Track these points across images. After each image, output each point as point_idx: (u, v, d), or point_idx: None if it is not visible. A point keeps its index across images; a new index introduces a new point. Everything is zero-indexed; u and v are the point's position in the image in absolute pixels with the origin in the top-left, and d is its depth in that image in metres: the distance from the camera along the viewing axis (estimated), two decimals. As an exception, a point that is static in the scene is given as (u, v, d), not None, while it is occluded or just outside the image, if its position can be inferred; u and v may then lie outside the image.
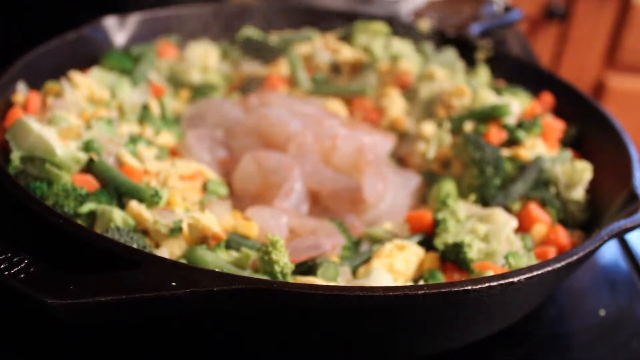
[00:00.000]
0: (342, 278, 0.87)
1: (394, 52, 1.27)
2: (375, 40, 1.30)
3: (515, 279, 0.75)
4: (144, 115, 1.11)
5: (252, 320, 0.78)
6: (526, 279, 0.75)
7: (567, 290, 1.03)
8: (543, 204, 1.01)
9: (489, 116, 1.09)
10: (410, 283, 0.88)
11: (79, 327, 0.86)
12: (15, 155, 0.90)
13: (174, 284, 0.70)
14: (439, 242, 0.90)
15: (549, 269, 0.77)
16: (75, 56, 1.19)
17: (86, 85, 1.10)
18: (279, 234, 0.88)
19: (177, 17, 1.35)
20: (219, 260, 0.84)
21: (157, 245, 0.87)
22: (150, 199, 0.90)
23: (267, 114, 1.07)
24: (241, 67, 1.28)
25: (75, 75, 1.12)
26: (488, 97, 1.13)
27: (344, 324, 0.78)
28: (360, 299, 0.71)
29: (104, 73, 1.17)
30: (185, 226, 0.86)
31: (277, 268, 0.82)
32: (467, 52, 1.31)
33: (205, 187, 0.99)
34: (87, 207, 0.87)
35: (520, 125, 1.09)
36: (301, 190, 0.99)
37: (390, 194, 1.01)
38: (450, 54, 1.30)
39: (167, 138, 1.09)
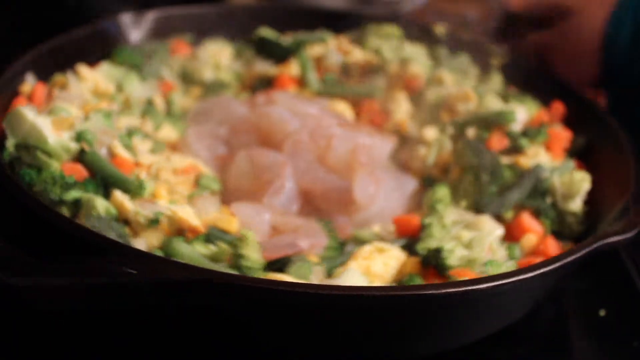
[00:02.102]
0: (315, 277, 0.86)
1: (404, 55, 1.25)
2: (386, 42, 1.29)
3: (452, 290, 0.74)
4: (147, 109, 1.13)
5: (213, 313, 0.79)
6: (470, 290, 0.74)
7: (567, 290, 1.02)
8: (537, 213, 0.99)
9: (492, 122, 1.07)
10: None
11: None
12: (10, 143, 0.92)
13: (134, 271, 0.71)
14: (421, 247, 0.89)
15: (496, 283, 0.76)
16: (89, 50, 1.20)
17: (92, 78, 1.12)
18: (260, 230, 0.89)
19: (193, 15, 1.35)
20: (194, 252, 0.85)
21: (136, 236, 0.88)
22: (135, 190, 0.91)
23: (268, 112, 1.07)
24: (253, 66, 1.29)
25: (82, 68, 1.14)
26: (494, 103, 1.11)
27: (289, 321, 0.79)
28: (285, 294, 0.73)
29: (113, 68, 1.19)
30: (163, 218, 0.88)
31: (244, 262, 0.83)
32: (481, 58, 1.29)
33: (197, 182, 1.00)
34: (72, 194, 0.88)
35: (524, 133, 1.08)
36: (292, 189, 0.99)
37: (382, 197, 1.00)
38: (464, 60, 1.28)
39: (168, 133, 1.10)
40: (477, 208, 1.00)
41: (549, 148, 1.08)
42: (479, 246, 0.89)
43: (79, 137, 0.94)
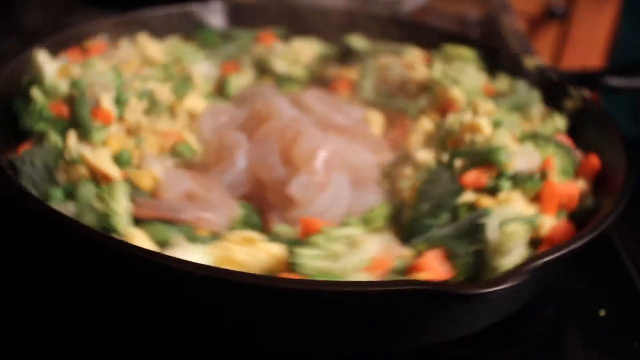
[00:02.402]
0: (174, 244, 0.88)
1: (455, 78, 1.20)
2: (444, 63, 1.25)
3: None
4: (183, 81, 1.18)
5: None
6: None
7: (567, 290, 1.03)
8: (451, 256, 0.90)
9: (482, 158, 1.00)
10: None
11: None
12: (25, 79, 1.09)
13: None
14: (295, 250, 0.87)
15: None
16: (174, 28, 1.32)
17: (145, 46, 1.24)
18: (171, 192, 0.94)
19: (290, 9, 1.39)
20: (87, 195, 0.91)
21: (62, 174, 0.97)
22: (85, 134, 1.01)
23: (271, 102, 1.08)
24: (327, 68, 1.30)
25: (141, 36, 1.26)
26: (500, 141, 1.03)
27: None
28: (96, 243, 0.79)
29: (180, 44, 1.28)
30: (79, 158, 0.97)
31: (105, 210, 0.88)
32: (555, 95, 1.20)
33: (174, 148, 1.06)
34: (41, 126, 1.02)
35: (513, 176, 0.99)
36: (241, 171, 1.00)
37: (327, 202, 0.97)
38: (532, 96, 1.19)
39: (194, 104, 1.16)
40: (404, 236, 0.95)
41: (540, 200, 0.98)
42: (344, 262, 0.85)
43: (73, 84, 1.06)
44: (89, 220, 0.87)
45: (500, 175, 0.98)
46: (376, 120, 1.17)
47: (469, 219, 0.91)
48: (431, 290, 0.74)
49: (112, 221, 0.86)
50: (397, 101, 1.20)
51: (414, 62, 1.27)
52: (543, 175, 0.99)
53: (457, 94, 1.15)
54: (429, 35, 1.35)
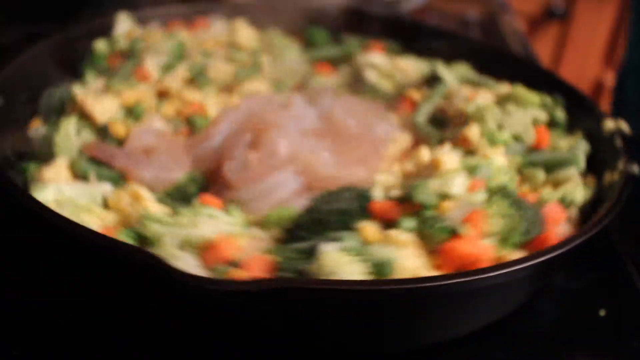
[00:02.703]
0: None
1: (496, 118, 1.13)
2: (500, 103, 1.17)
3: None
4: (250, 68, 1.26)
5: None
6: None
7: (567, 290, 1.03)
8: (278, 268, 0.87)
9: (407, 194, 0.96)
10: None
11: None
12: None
13: None
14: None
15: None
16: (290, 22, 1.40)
17: (237, 30, 1.34)
18: (135, 142, 1.05)
19: (416, 28, 1.40)
20: (67, 138, 1.03)
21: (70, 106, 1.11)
22: (110, 83, 1.16)
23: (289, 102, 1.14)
24: (416, 88, 1.28)
25: (239, 23, 1.36)
26: (450, 184, 0.95)
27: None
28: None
29: (279, 35, 1.36)
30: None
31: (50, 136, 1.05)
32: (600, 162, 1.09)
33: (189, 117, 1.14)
34: (87, 70, 1.21)
35: (426, 219, 0.91)
36: (212, 148, 1.06)
37: (258, 193, 0.99)
38: (576, 161, 1.08)
39: (253, 88, 1.22)
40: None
41: (439, 253, 0.90)
42: (180, 231, 0.88)
43: (132, 42, 1.25)
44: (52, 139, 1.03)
45: (418, 214, 0.92)
46: (401, 141, 1.13)
47: (311, 243, 0.87)
48: (152, 263, 0.74)
49: (53, 147, 1.02)
50: (428, 128, 1.15)
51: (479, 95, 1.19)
52: (454, 230, 0.89)
53: (471, 133, 1.08)
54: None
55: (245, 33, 1.34)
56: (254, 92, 1.20)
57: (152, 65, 1.20)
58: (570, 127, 1.16)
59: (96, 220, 0.90)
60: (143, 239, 0.87)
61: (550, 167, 1.05)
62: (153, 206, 0.93)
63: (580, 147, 1.08)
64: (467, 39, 1.42)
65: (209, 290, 0.73)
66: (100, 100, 1.10)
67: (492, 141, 1.07)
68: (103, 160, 1.01)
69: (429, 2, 1.90)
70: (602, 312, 0.99)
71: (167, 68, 1.22)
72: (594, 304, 1.00)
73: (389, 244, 0.87)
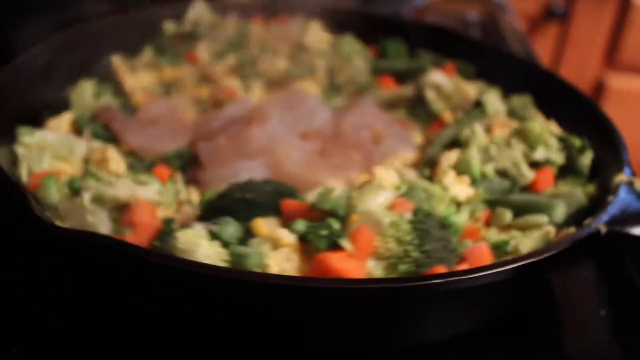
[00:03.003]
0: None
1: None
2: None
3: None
4: (306, 68, 1.31)
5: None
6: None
7: (567, 290, 1.03)
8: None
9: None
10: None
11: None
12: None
13: None
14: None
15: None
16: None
17: (310, 31, 1.39)
18: (144, 113, 1.14)
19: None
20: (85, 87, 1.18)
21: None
22: (155, 60, 1.30)
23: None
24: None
25: (313, 26, 1.40)
26: (364, 201, 0.92)
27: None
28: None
29: (351, 43, 1.38)
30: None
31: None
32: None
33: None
34: (147, 47, 1.31)
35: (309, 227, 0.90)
36: (213, 129, 1.13)
37: (222, 176, 1.02)
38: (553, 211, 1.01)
39: (306, 87, 1.27)
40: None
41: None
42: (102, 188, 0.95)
43: (194, 25, 1.34)
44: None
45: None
46: (404, 157, 1.13)
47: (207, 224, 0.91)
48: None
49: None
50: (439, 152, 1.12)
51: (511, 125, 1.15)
52: (336, 242, 0.87)
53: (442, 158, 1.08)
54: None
55: (316, 35, 1.37)
56: (302, 91, 1.22)
57: (203, 50, 1.29)
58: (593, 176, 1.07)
59: (64, 167, 1.02)
60: (73, 189, 0.95)
61: (523, 210, 1.00)
62: (118, 167, 1.01)
63: (568, 197, 1.01)
64: (539, 72, 1.30)
65: (39, 231, 0.80)
66: (137, 72, 1.23)
67: (465, 170, 1.04)
68: (103, 120, 1.12)
69: (429, 2, 1.90)
70: (602, 312, 0.99)
71: (219, 55, 1.30)
72: (594, 304, 1.00)
73: (269, 242, 0.88)
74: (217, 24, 1.37)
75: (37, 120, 1.09)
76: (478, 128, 1.10)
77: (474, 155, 1.05)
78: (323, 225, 0.88)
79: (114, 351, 0.87)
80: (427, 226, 0.88)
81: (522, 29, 1.99)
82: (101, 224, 0.92)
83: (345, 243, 0.86)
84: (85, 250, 0.78)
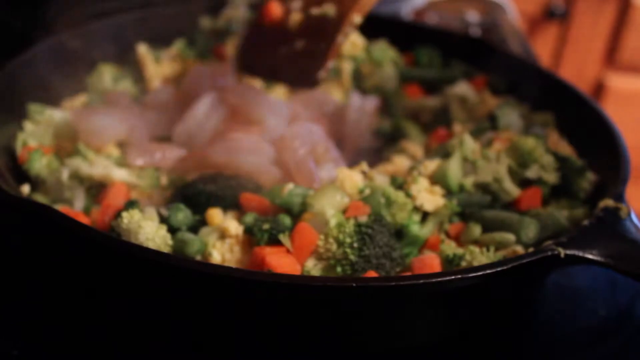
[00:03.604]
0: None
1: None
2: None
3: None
4: (332, 71, 1.29)
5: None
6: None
7: (567, 290, 1.03)
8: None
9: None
10: None
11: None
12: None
13: None
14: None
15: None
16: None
17: (353, 40, 1.36)
18: (154, 98, 1.16)
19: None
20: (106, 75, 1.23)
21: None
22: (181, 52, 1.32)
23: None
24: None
25: (355, 32, 1.35)
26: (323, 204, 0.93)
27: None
28: None
29: (383, 49, 1.37)
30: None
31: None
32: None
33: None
34: (178, 39, 1.33)
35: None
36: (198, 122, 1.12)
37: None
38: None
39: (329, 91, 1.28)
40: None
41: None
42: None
43: (225, 23, 1.35)
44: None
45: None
46: (396, 163, 1.12)
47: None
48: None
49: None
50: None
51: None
52: (276, 237, 0.89)
53: (403, 164, 1.10)
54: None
55: (350, 39, 1.34)
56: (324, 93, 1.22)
57: (232, 45, 1.30)
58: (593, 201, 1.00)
59: (66, 144, 1.05)
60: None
61: (493, 227, 0.96)
62: (112, 149, 1.05)
63: (547, 218, 0.97)
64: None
65: None
66: (161, 62, 1.27)
67: (440, 180, 1.01)
68: (108, 102, 1.14)
69: (429, 2, 1.90)
70: (602, 312, 0.99)
71: None
72: (594, 304, 1.00)
73: (217, 231, 0.90)
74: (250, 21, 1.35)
75: (58, 101, 1.17)
76: (467, 139, 1.06)
77: (453, 166, 1.02)
78: (268, 220, 0.89)
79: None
80: (373, 232, 0.88)
81: (522, 29, 1.99)
82: (76, 199, 0.98)
83: (284, 239, 0.87)
84: (24, 216, 0.85)
